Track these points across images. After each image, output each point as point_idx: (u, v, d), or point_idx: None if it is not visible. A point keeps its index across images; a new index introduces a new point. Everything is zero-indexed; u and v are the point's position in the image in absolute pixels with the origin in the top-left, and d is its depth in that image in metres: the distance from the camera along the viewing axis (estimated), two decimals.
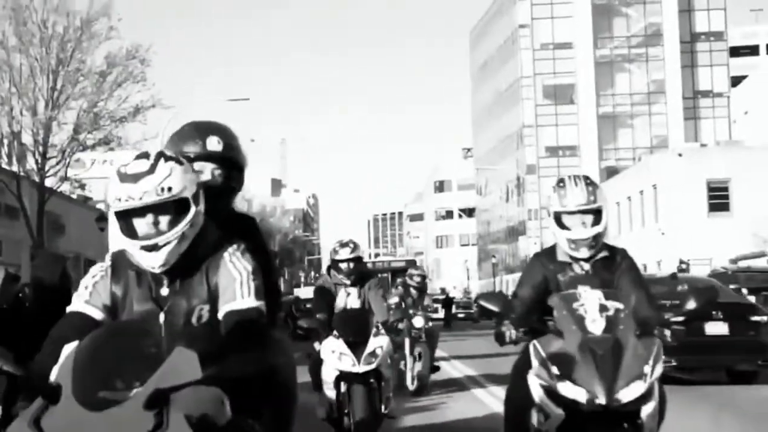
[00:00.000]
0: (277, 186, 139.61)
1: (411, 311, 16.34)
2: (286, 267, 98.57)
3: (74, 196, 44.89)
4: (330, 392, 9.61)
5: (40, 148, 35.04)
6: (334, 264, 10.67)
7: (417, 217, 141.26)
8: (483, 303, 5.74)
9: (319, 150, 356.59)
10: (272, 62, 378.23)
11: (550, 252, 6.20)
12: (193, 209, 4.03)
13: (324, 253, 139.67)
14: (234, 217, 4.92)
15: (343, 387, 9.49)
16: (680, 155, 55.07)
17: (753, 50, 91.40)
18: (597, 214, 5.88)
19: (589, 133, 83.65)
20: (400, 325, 15.29)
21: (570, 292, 5.55)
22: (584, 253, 5.94)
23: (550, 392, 5.21)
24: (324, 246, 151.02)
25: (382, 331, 9.92)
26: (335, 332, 9.69)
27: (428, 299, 17.69)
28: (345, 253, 10.52)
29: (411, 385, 15.80)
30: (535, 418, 5.41)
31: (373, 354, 9.45)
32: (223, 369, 3.79)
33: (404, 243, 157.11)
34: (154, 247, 4.00)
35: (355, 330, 9.61)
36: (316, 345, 24.55)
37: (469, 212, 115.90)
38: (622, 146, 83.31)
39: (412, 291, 17.34)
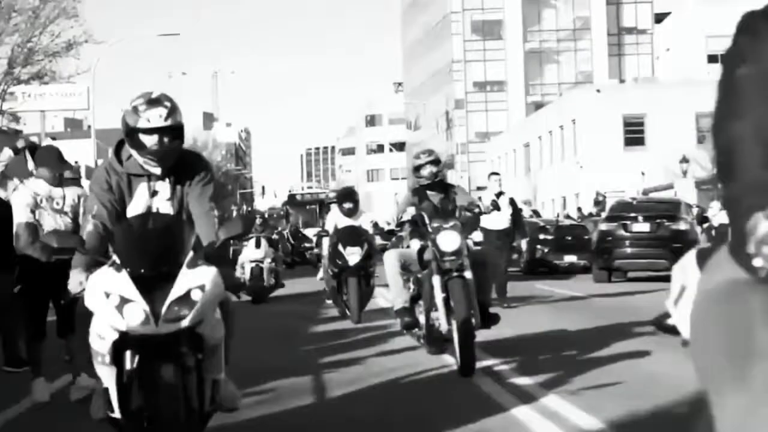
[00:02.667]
0: (208, 120, 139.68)
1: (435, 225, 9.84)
2: (219, 200, 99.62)
3: (6, 129, 45.78)
4: (104, 371, 5.27)
5: None
6: (131, 136, 5.79)
7: (349, 152, 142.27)
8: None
9: (251, 84, 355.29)
10: None
11: None
12: None
13: (257, 187, 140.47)
14: None
15: (129, 362, 5.23)
16: (598, 91, 57.03)
17: None
18: None
19: (516, 68, 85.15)
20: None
21: None
22: None
23: None
24: (256, 180, 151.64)
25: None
26: (115, 257, 5.42)
27: (463, 199, 10.65)
28: (156, 117, 5.69)
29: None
30: None
31: (183, 302, 5.20)
32: None
33: (336, 177, 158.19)
34: None
35: (151, 254, 5.36)
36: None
37: (400, 146, 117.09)
38: (548, 82, 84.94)
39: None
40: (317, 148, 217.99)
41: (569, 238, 30.01)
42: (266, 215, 30.96)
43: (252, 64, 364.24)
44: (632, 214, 24.50)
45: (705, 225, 32.36)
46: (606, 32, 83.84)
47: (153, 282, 5.24)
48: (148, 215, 5.81)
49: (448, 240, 9.63)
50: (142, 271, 5.28)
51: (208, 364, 5.45)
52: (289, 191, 66.59)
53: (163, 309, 5.17)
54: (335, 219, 16.59)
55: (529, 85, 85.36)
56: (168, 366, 5.21)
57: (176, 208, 5.95)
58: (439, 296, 9.57)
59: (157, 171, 5.89)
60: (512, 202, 17.77)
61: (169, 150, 5.82)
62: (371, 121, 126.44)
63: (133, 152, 5.84)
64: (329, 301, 17.22)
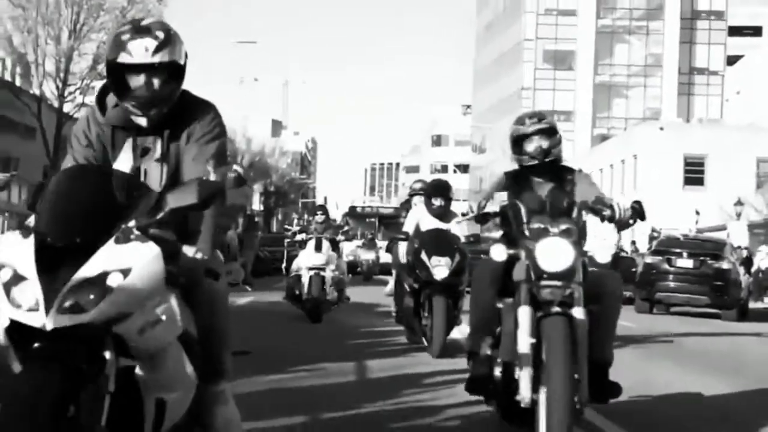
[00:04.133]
0: (277, 127, 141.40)
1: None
2: (280, 207, 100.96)
3: None
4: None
5: (62, 75, 37.97)
6: (112, 75, 4.47)
7: (413, 169, 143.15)
8: None
9: (321, 96, 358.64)
10: (281, 7, 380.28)
11: None
12: None
13: (319, 197, 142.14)
14: None
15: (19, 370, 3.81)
16: (662, 129, 57.90)
17: (756, 31, 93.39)
18: None
19: (584, 100, 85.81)
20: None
21: None
22: None
23: None
24: (320, 190, 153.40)
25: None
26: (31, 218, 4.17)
27: (586, 192, 6.73)
28: (140, 51, 4.38)
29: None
30: None
31: (91, 288, 3.80)
32: None
33: (399, 194, 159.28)
34: None
35: (67, 217, 3.97)
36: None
37: (464, 168, 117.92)
38: (616, 116, 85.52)
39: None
40: (381, 164, 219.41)
41: (617, 269, 30.91)
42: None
43: (323, 76, 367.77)
44: (678, 250, 25.43)
45: (753, 269, 33.24)
46: (677, 71, 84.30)
47: (70, 256, 3.85)
48: (103, 169, 4.44)
49: (555, 252, 6.02)
50: (49, 239, 3.88)
51: (147, 378, 4.01)
52: (351, 203, 67.71)
53: (60, 295, 3.76)
54: (419, 218, 12.63)
55: (597, 117, 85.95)
56: (46, 374, 3.69)
57: (170, 171, 4.60)
58: (524, 342, 5.94)
59: (143, 122, 4.56)
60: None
61: (159, 95, 4.48)
62: (437, 141, 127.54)
63: (115, 97, 4.56)
64: (399, 326, 13.38)
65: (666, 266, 24.97)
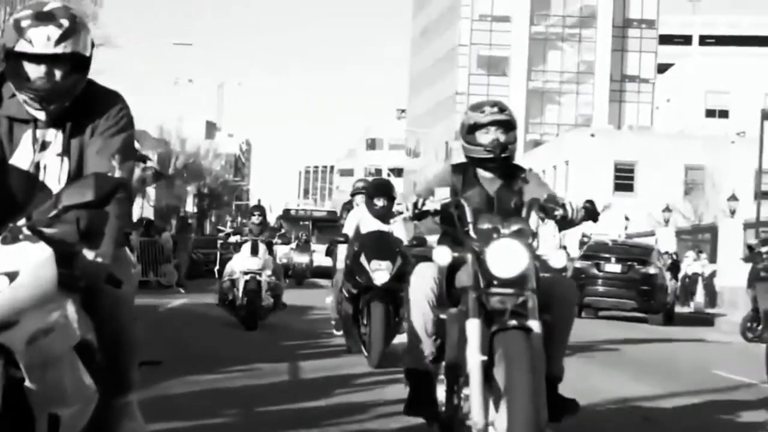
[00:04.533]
0: (211, 129, 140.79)
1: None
2: (214, 209, 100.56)
3: None
4: None
5: None
6: (10, 64, 4.18)
7: (347, 173, 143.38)
8: None
9: (256, 98, 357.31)
10: (218, 9, 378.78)
11: None
12: None
13: (253, 199, 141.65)
14: None
15: None
16: (593, 135, 58.76)
17: (686, 40, 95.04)
18: None
19: (518, 105, 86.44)
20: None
21: None
22: None
23: None
24: (253, 192, 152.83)
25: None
26: None
27: (538, 190, 6.17)
28: (41, 40, 4.03)
29: None
30: None
31: None
32: None
33: (333, 197, 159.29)
34: None
35: None
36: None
37: (398, 172, 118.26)
38: (548, 122, 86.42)
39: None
40: (316, 167, 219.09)
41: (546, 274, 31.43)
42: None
43: (259, 79, 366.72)
44: (606, 255, 25.99)
45: (680, 274, 33.96)
46: (609, 78, 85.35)
47: None
48: None
49: (506, 256, 5.30)
50: None
51: (38, 392, 3.69)
52: (285, 206, 67.44)
53: None
54: (359, 219, 11.96)
55: (529, 123, 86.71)
56: None
57: (72, 167, 4.26)
58: (475, 359, 5.24)
59: (41, 116, 4.21)
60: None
61: (61, 88, 4.14)
62: (372, 144, 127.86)
63: (12, 86, 4.21)
64: (338, 333, 13.03)
65: (595, 271, 25.50)
